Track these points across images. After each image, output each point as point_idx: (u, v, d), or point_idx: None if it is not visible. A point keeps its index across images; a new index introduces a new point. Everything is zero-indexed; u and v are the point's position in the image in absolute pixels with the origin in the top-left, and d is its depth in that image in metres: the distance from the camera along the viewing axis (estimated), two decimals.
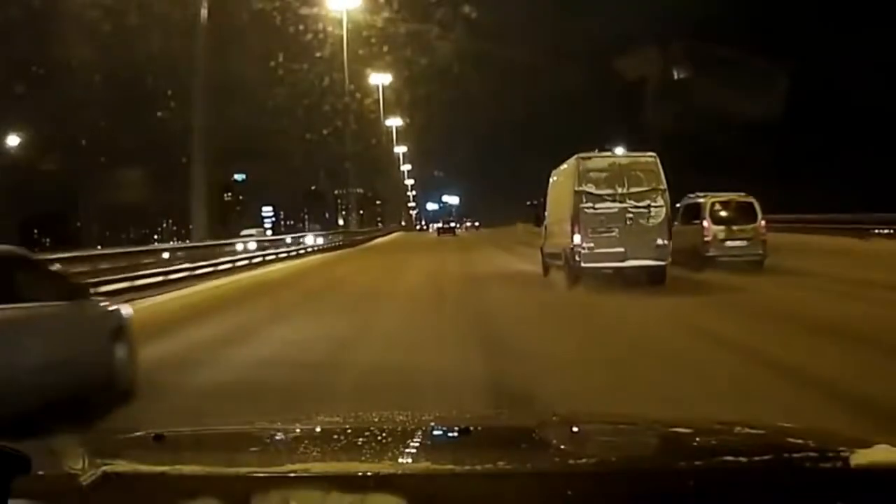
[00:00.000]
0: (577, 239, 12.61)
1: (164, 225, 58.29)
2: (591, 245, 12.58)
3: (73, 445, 1.28)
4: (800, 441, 1.69)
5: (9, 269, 5.14)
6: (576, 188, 12.73)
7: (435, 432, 2.08)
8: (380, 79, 42.89)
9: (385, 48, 36.25)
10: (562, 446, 1.86)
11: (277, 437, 2.02)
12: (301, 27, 29.98)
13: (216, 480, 1.34)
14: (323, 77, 34.83)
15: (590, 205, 12.65)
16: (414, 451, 1.80)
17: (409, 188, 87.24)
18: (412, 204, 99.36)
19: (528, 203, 21.75)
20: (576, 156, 13.15)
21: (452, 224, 64.50)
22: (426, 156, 79.99)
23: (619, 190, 12.68)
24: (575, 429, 2.12)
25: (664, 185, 12.81)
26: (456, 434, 1.96)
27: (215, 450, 1.85)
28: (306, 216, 61.25)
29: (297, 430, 2.10)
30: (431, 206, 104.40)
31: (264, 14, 27.21)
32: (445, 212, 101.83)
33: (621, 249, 12.56)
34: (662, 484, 1.26)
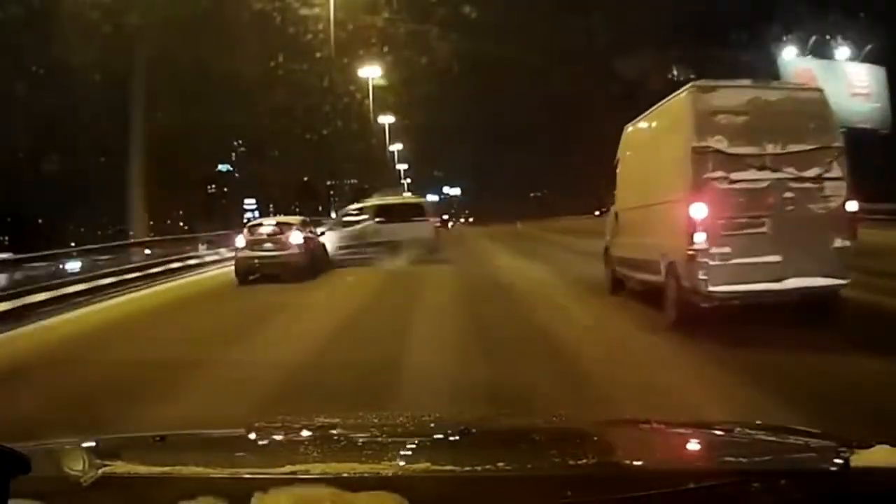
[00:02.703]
0: (699, 239, 6.89)
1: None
2: (727, 250, 6.88)
3: (73, 446, 1.28)
4: (800, 441, 1.70)
5: (418, 206, 20.56)
6: (694, 143, 7.04)
7: (435, 433, 2.08)
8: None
9: (385, 48, 36.09)
10: (562, 446, 1.86)
11: (277, 438, 2.02)
12: (300, 27, 29.92)
13: (216, 481, 1.34)
14: (314, 56, 34.25)
15: (721, 174, 6.95)
16: (414, 451, 1.80)
17: (403, 175, 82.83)
18: (408, 194, 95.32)
19: (532, 195, 21.09)
20: (690, 85, 7.52)
21: (445, 217, 64.87)
22: (426, 156, 78.71)
23: (769, 147, 7.05)
24: (575, 429, 2.13)
25: (840, 142, 7.32)
26: (456, 434, 1.97)
27: (215, 450, 1.85)
28: (297, 209, 59.41)
29: (297, 431, 2.10)
30: (432, 199, 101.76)
31: (263, 13, 27.08)
32: (447, 203, 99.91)
33: (776, 258, 6.90)
34: (662, 484, 1.26)
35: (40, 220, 32.89)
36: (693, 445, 1.81)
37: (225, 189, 62.32)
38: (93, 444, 1.67)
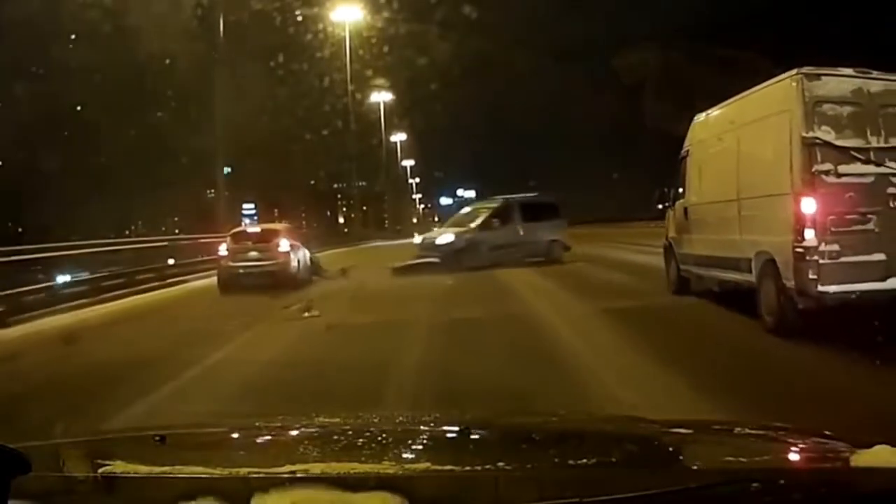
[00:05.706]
0: (808, 235, 6.75)
1: (133, 227, 44.72)
2: (836, 248, 6.77)
3: (74, 446, 1.28)
4: (800, 441, 1.70)
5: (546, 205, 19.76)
6: (804, 133, 6.89)
7: (435, 432, 2.08)
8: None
9: (385, 48, 36.06)
10: (562, 446, 1.86)
11: (277, 437, 2.02)
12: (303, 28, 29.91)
13: (216, 480, 1.34)
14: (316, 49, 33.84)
15: (829, 168, 6.87)
16: (414, 451, 1.80)
17: (409, 173, 78.01)
18: (418, 196, 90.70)
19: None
20: (796, 71, 7.18)
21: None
22: (425, 157, 77.39)
23: (875, 141, 7.00)
24: (574, 429, 2.13)
25: None
26: (456, 434, 1.97)
27: (215, 450, 1.85)
28: (303, 215, 57.19)
29: (297, 430, 2.11)
30: (446, 202, 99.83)
31: (263, 13, 27.11)
32: (460, 207, 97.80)
33: (881, 257, 6.81)
34: (662, 484, 1.26)
35: (20, 230, 31.09)
36: (693, 445, 1.81)
37: (226, 193, 60.35)
38: (93, 443, 1.66)
